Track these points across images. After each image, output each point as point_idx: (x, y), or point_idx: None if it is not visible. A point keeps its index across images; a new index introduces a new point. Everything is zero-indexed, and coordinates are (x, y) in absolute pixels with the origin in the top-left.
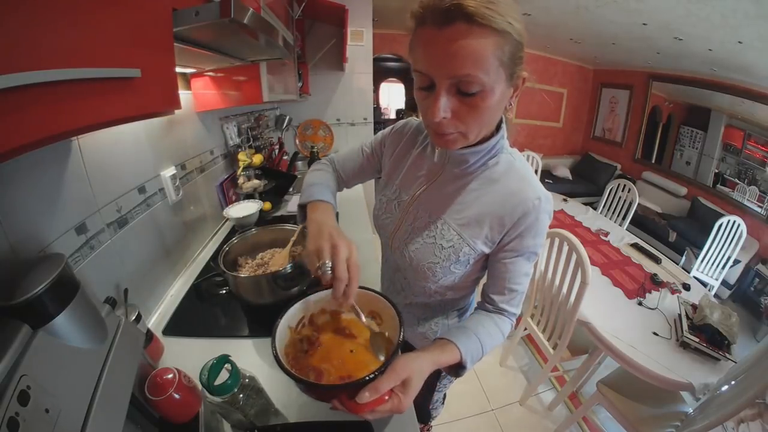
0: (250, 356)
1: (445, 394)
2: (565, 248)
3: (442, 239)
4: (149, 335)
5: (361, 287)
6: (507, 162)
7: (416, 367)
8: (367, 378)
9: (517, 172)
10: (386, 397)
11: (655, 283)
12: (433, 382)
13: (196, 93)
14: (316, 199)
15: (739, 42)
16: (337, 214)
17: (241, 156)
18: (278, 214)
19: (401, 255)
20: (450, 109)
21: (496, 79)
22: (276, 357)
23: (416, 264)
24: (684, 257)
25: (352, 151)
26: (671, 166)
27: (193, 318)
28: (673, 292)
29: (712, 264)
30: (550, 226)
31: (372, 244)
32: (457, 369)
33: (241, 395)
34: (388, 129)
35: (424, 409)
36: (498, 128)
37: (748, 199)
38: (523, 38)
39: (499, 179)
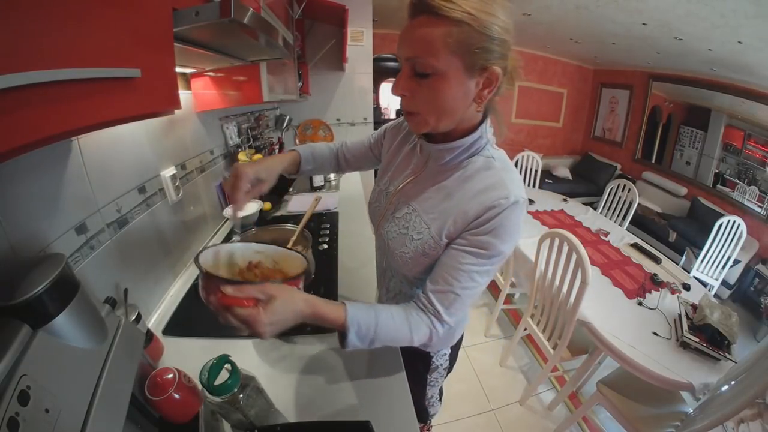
0: (250, 356)
1: (441, 390)
2: (565, 248)
3: (414, 231)
4: (149, 335)
5: (289, 248)
6: (486, 162)
7: (287, 295)
8: (244, 281)
9: (494, 173)
10: (248, 304)
11: (655, 283)
12: (422, 374)
13: (196, 93)
14: (290, 150)
15: (739, 42)
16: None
17: (241, 156)
18: (278, 214)
19: (384, 242)
20: (409, 88)
21: (450, 66)
22: (197, 257)
23: (392, 251)
24: (684, 257)
25: (360, 140)
26: (671, 166)
27: (193, 318)
28: (673, 292)
29: (712, 264)
30: (550, 226)
31: (372, 241)
32: (342, 338)
33: (241, 395)
34: (390, 123)
35: (420, 405)
36: (477, 128)
37: (748, 199)
38: (489, 30)
39: (473, 177)
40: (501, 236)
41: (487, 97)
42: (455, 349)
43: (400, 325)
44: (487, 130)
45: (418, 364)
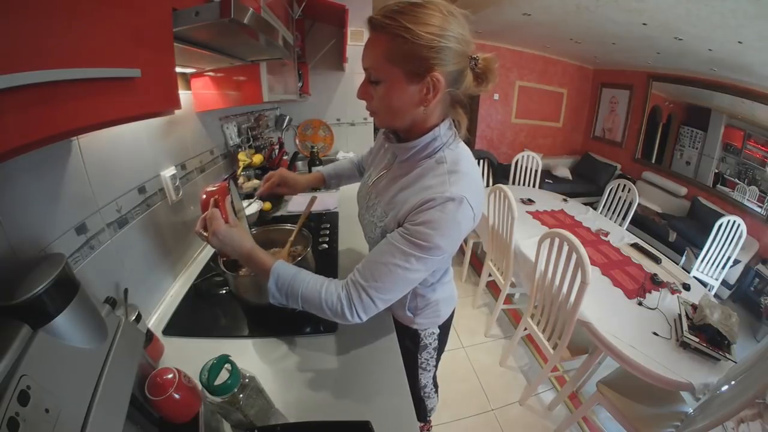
0: (250, 356)
1: (436, 382)
2: (565, 248)
3: (377, 218)
4: (149, 335)
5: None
6: (437, 163)
7: (243, 235)
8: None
9: (440, 173)
10: (224, 216)
11: (655, 283)
12: (413, 352)
13: (196, 93)
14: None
15: (739, 42)
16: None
17: (241, 156)
18: (278, 214)
19: (362, 226)
20: (368, 93)
21: (392, 75)
22: (234, 178)
23: (366, 235)
24: (684, 257)
25: (372, 147)
26: (671, 166)
27: (193, 318)
28: (673, 292)
29: (712, 264)
30: (550, 226)
31: None
32: (267, 286)
33: (241, 395)
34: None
35: (415, 393)
36: (429, 130)
37: (748, 199)
38: (424, 40)
39: (424, 175)
40: (436, 228)
41: (432, 101)
42: (444, 329)
43: (313, 287)
44: (444, 132)
45: (405, 339)
